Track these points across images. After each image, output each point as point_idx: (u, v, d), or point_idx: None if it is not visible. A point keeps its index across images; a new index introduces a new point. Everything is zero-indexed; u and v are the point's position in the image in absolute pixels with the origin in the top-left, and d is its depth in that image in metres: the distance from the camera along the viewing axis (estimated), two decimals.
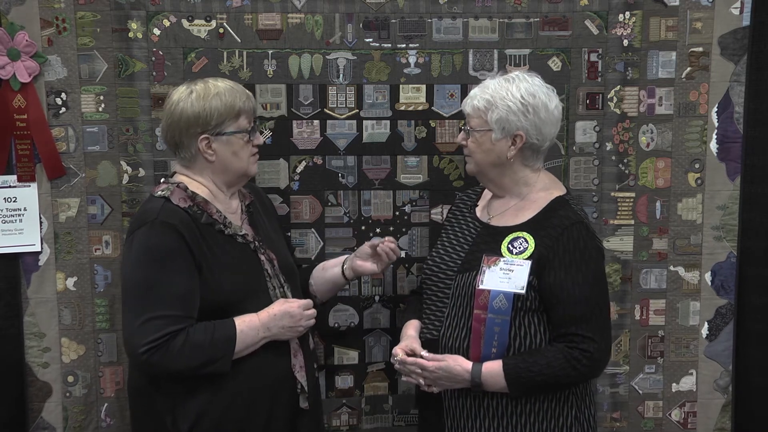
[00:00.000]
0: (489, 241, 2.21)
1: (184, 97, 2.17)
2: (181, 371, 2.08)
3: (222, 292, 2.13)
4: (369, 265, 2.40)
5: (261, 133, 2.29)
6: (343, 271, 2.44)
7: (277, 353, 2.21)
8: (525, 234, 2.15)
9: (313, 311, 2.24)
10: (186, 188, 2.17)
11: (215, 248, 2.15)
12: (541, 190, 2.22)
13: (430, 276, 2.31)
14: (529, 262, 2.10)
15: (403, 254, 2.70)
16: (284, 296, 2.25)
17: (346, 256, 2.49)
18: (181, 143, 2.19)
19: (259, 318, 2.15)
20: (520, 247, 2.14)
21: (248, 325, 2.13)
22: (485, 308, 2.11)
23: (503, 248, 2.15)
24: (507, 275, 2.10)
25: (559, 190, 2.23)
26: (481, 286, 2.12)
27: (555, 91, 2.22)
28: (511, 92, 2.14)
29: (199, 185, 2.20)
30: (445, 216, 2.63)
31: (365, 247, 2.40)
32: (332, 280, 2.47)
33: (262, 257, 2.25)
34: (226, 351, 2.09)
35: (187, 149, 2.19)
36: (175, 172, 2.27)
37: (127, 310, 2.11)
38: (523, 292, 2.08)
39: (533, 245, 2.12)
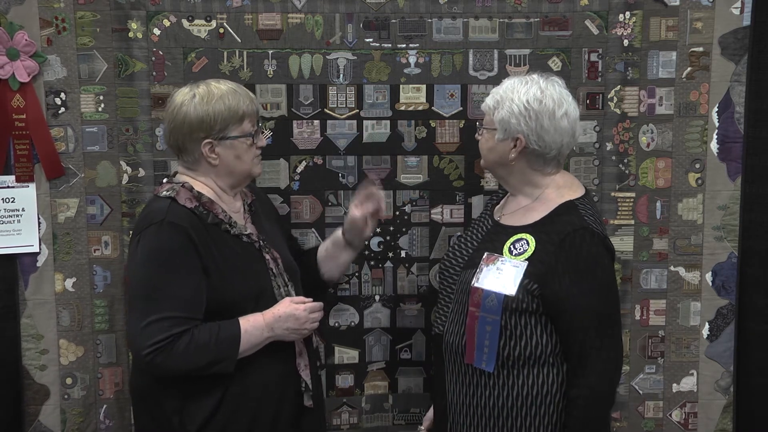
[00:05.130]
0: (495, 240, 2.20)
1: (187, 101, 2.14)
2: (185, 372, 2.06)
3: (230, 293, 2.12)
4: (372, 227, 2.44)
5: (262, 132, 2.28)
6: (352, 245, 2.46)
7: (283, 352, 2.20)
8: (528, 236, 2.12)
9: (318, 315, 2.24)
10: (191, 188, 2.16)
11: (223, 249, 2.14)
12: (553, 192, 2.18)
13: (442, 270, 2.31)
14: (525, 264, 2.08)
15: (403, 254, 2.71)
16: (288, 295, 2.24)
17: (339, 232, 2.48)
18: (185, 148, 2.17)
19: (264, 318, 2.14)
20: (520, 249, 2.12)
21: (253, 325, 2.12)
22: (479, 306, 2.10)
23: (505, 248, 2.14)
24: (501, 275, 2.09)
25: (572, 193, 2.18)
26: (476, 284, 2.12)
27: (571, 98, 2.16)
28: (519, 94, 2.12)
29: (203, 185, 2.19)
30: (445, 216, 2.68)
31: (359, 217, 2.40)
32: (348, 260, 2.51)
33: (267, 256, 2.24)
34: (231, 351, 2.08)
35: (190, 153, 2.17)
36: (176, 172, 2.26)
37: (133, 310, 2.10)
38: (513, 293, 2.06)
39: (533, 248, 2.10)
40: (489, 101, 2.19)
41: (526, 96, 2.11)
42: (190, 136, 2.14)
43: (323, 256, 2.50)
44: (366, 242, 2.56)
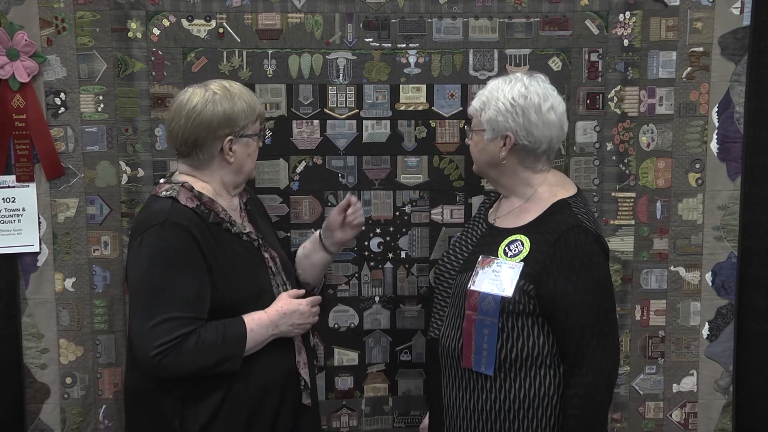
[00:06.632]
0: (490, 243, 2.20)
1: (210, 98, 2.14)
2: (193, 372, 2.06)
3: (232, 293, 2.13)
4: (347, 236, 2.48)
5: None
6: (326, 249, 2.49)
7: (283, 351, 2.21)
8: (522, 237, 2.13)
9: (317, 308, 2.25)
10: (192, 188, 2.16)
11: (225, 249, 2.14)
12: (545, 191, 2.19)
13: (438, 275, 2.32)
14: (520, 265, 2.09)
15: (403, 255, 2.71)
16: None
17: (317, 233, 2.52)
18: (204, 145, 2.15)
19: (268, 315, 2.15)
20: (515, 250, 2.12)
21: (258, 323, 2.13)
22: (475, 309, 2.10)
23: (500, 250, 2.14)
24: (498, 277, 2.10)
25: (564, 192, 2.19)
26: (472, 287, 2.12)
27: (556, 92, 2.18)
28: (503, 93, 2.14)
29: (204, 185, 2.19)
30: (445, 216, 2.68)
31: (335, 218, 2.46)
32: (321, 263, 2.51)
33: (266, 255, 2.25)
34: (237, 350, 2.09)
35: (207, 150, 2.16)
36: (174, 172, 2.26)
37: (137, 312, 2.09)
38: (510, 295, 2.06)
39: (528, 249, 2.10)
40: (475, 104, 2.21)
41: (511, 93, 2.13)
42: (214, 133, 2.14)
43: (300, 254, 2.53)
44: (341, 249, 2.57)
